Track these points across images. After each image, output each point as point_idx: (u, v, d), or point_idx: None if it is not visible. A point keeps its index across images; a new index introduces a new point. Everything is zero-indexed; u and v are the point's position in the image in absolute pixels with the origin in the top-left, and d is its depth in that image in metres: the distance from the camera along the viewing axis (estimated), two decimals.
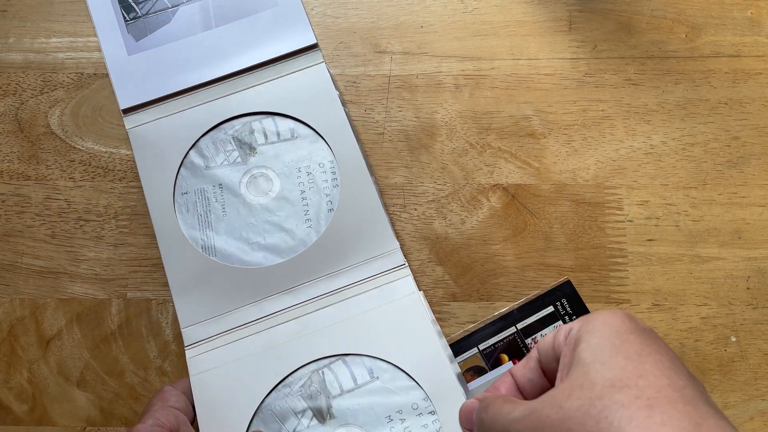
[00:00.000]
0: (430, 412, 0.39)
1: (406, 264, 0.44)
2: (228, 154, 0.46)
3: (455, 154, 0.48)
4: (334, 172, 0.46)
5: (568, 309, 0.45)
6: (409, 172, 0.48)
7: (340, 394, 0.41)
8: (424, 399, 0.40)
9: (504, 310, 0.45)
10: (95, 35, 0.50)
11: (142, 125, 0.46)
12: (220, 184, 0.46)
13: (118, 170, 0.48)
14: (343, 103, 0.47)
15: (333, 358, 0.41)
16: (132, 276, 0.46)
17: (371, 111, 0.49)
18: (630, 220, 0.46)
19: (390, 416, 0.40)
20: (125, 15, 0.47)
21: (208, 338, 0.42)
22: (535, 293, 0.45)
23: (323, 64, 0.47)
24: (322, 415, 0.40)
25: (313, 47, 0.47)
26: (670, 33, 0.49)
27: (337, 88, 0.47)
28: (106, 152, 0.49)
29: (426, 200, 0.47)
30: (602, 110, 0.48)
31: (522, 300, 0.45)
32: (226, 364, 0.41)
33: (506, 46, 0.49)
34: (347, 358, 0.41)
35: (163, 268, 0.45)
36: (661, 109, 0.48)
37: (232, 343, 0.42)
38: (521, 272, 0.46)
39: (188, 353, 0.42)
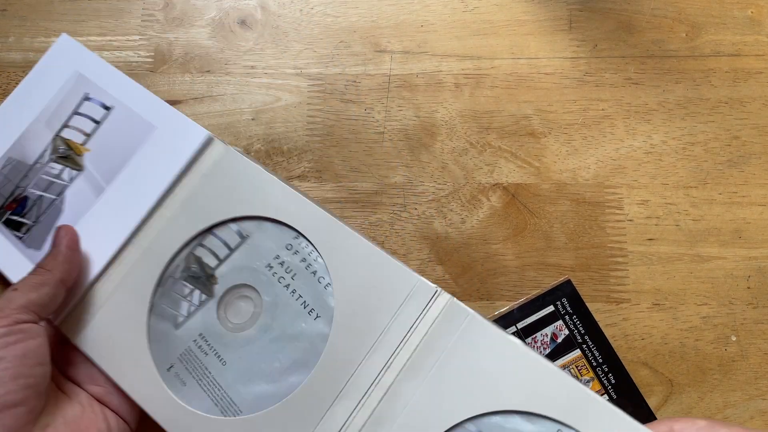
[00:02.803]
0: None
1: (440, 289, 0.37)
2: (189, 299, 0.40)
3: (455, 154, 0.48)
4: (307, 246, 0.39)
5: (569, 308, 0.45)
6: (409, 172, 0.48)
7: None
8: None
9: (504, 309, 0.45)
10: (96, 35, 0.50)
11: (86, 328, 0.39)
12: (200, 334, 0.39)
13: None
14: (269, 170, 0.42)
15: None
16: None
17: (371, 110, 0.49)
18: (630, 220, 0.46)
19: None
20: (16, 233, 0.43)
21: None
22: (535, 293, 0.45)
23: (227, 146, 0.42)
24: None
25: (209, 141, 0.42)
26: (671, 32, 0.49)
27: (252, 159, 0.42)
28: None
29: (426, 200, 0.47)
30: (602, 109, 0.48)
31: (522, 299, 0.45)
32: None
33: (506, 45, 0.49)
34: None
35: None
36: (661, 108, 0.48)
37: None
38: (521, 272, 0.46)
39: None
